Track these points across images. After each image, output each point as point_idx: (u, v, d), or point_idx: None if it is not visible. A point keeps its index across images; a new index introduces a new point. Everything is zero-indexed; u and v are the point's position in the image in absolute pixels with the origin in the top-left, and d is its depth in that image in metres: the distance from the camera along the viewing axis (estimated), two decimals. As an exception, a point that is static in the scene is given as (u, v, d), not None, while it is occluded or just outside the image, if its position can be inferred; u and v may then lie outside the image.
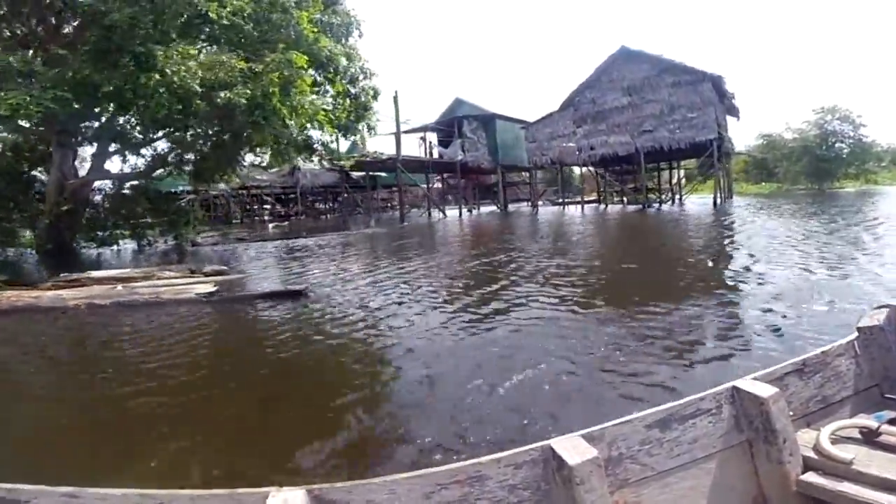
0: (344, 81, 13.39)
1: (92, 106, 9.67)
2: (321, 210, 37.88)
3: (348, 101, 13.21)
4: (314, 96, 10.43)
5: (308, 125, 10.71)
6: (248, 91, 8.99)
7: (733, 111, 25.56)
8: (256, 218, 35.80)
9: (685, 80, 21.22)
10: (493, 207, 32.73)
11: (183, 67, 8.23)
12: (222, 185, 36.45)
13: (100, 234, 14.36)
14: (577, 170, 33.64)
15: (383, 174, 30.25)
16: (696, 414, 1.48)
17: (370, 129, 15.55)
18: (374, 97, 13.96)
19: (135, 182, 15.72)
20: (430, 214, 28.04)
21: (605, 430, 1.39)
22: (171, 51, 8.32)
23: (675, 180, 31.38)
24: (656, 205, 25.27)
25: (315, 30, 10.68)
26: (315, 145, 15.28)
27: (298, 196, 36.07)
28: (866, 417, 1.58)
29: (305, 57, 9.70)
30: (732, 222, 13.89)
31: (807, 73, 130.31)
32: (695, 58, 53.92)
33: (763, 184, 37.71)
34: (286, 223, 31.95)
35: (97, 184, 15.87)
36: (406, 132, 28.31)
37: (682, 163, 30.82)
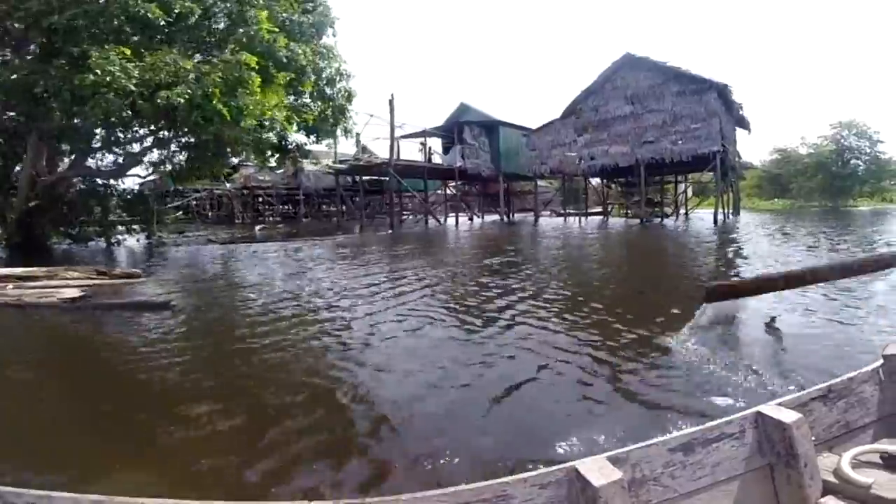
0: (321, 83, 13.20)
1: (33, 107, 9.58)
2: (327, 213, 37.92)
3: (320, 102, 13.01)
4: (275, 98, 10.21)
5: (260, 126, 10.44)
6: (189, 91, 8.89)
7: (743, 123, 24.49)
8: (261, 218, 36.05)
9: (690, 89, 20.34)
10: (498, 217, 32.13)
11: (117, 68, 8.09)
12: (228, 185, 37.32)
13: (71, 231, 14.44)
14: (594, 181, 32.77)
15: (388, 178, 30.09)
16: (719, 438, 1.51)
17: (347, 132, 15.26)
18: (349, 99, 13.70)
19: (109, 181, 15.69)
20: (426, 222, 27.61)
21: (629, 452, 1.41)
22: (108, 52, 8.19)
23: (680, 193, 30.31)
24: (657, 219, 24.36)
25: (275, 29, 10.47)
26: (290, 146, 15.09)
27: (302, 198, 36.22)
28: (888, 443, 1.61)
29: (255, 58, 9.52)
30: (721, 242, 13.07)
31: (825, 85, 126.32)
32: (707, 68, 52.48)
33: (775, 200, 36.23)
34: (281, 225, 31.98)
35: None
36: (403, 137, 28.02)
37: (694, 176, 29.80)
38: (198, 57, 10.33)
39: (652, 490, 1.39)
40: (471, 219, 32.57)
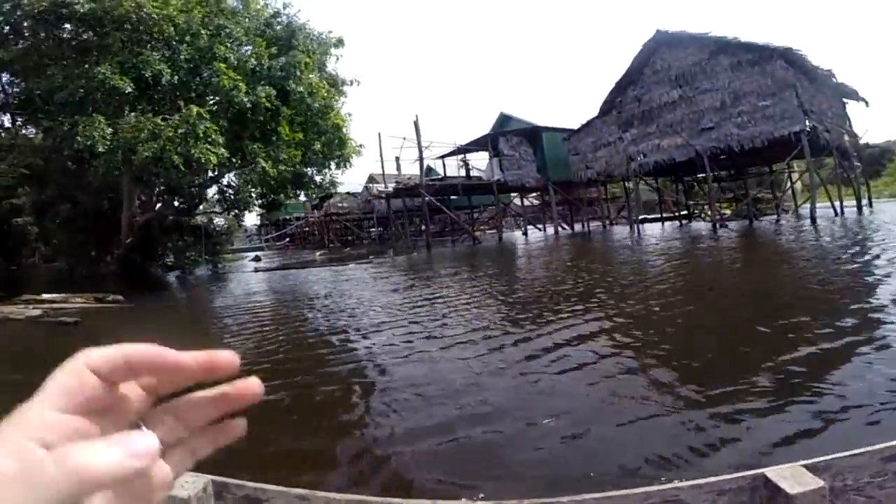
0: (307, 117, 13.59)
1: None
2: (385, 235, 39.26)
3: (314, 136, 13.60)
4: (213, 144, 10.79)
5: (206, 168, 11.38)
6: (154, 146, 10.10)
7: (850, 94, 19.36)
8: (347, 240, 38.75)
9: (746, 59, 16.63)
10: (581, 226, 29.37)
11: (98, 133, 9.77)
12: (316, 213, 41.32)
13: (160, 261, 16.99)
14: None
15: (454, 197, 29.82)
16: None
17: (343, 162, 15.33)
18: (338, 129, 14.03)
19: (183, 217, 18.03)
20: (474, 240, 26.47)
21: (831, 461, 1.33)
22: (92, 120, 9.99)
23: (786, 186, 24.80)
24: (744, 221, 20.21)
25: (236, 77, 11.21)
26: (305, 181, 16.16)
27: (375, 220, 38.09)
28: None
29: (196, 108, 10.53)
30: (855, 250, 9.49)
31: None
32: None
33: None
34: (348, 249, 33.47)
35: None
36: (437, 157, 27.52)
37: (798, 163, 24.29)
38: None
39: (853, 501, 1.29)
40: (525, 233, 30.63)
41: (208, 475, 1.56)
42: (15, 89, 13.44)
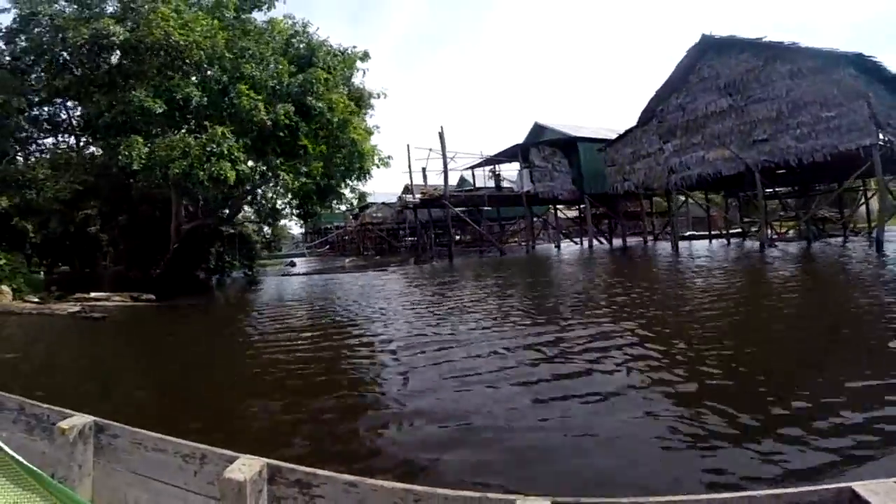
0: (329, 131, 13.58)
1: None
2: (423, 244, 39.28)
3: (333, 150, 13.68)
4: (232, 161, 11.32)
5: (227, 183, 11.70)
6: (185, 163, 10.75)
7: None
8: (382, 248, 39.28)
9: (808, 66, 14.81)
10: (623, 240, 27.69)
11: (135, 152, 10.53)
12: (354, 222, 42.87)
13: (203, 265, 18.05)
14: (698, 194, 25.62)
15: (487, 208, 29.20)
16: None
17: (363, 175, 15.23)
18: (353, 144, 13.94)
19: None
20: (501, 252, 25.49)
21: None
22: (131, 139, 10.83)
23: (858, 205, 22.10)
24: (830, 239, 18.18)
25: (258, 98, 11.67)
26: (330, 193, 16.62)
27: (407, 230, 38.27)
28: None
29: (221, 128, 11.30)
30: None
31: None
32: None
33: None
34: (378, 256, 33.60)
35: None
36: (468, 168, 26.77)
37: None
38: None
39: None
40: (558, 246, 29.22)
41: (264, 458, 1.65)
42: (76, 113, 14.96)
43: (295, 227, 53.82)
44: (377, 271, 19.26)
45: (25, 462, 1.48)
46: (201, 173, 10.80)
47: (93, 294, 11.90)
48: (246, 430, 3.48)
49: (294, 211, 18.80)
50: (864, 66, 14.23)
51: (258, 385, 4.68)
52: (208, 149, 11.06)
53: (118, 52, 12.21)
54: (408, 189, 37.51)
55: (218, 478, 1.58)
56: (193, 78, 12.34)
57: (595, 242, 28.47)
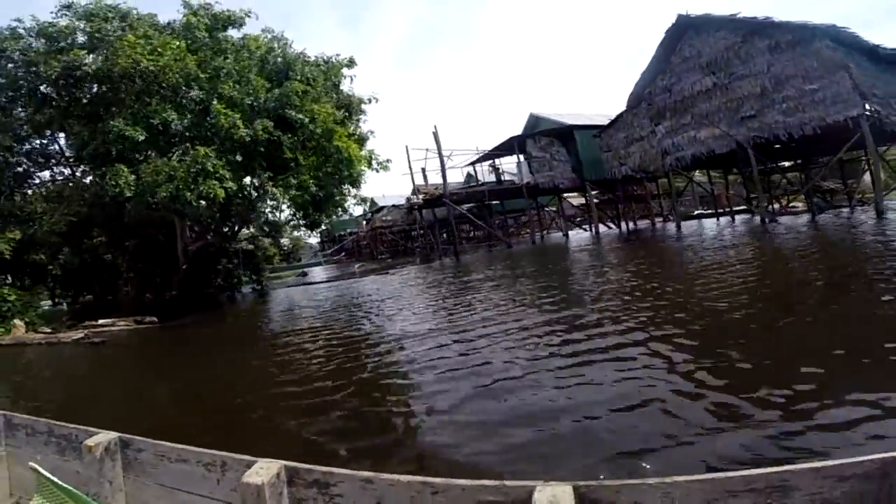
0: (314, 141, 14.07)
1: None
2: (422, 244, 39.85)
3: (322, 159, 14.15)
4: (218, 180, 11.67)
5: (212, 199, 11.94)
6: (171, 186, 11.21)
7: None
8: (397, 250, 40.02)
9: (786, 41, 14.72)
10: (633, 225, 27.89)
11: (122, 180, 10.93)
12: (366, 227, 43.38)
13: (212, 283, 18.78)
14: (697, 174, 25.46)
15: (495, 202, 29.60)
16: None
17: (354, 182, 15.77)
18: (339, 152, 14.20)
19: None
20: (508, 245, 26.01)
21: None
22: (117, 168, 11.23)
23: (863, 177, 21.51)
24: (835, 211, 18.13)
25: (235, 115, 12.00)
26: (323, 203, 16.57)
27: (418, 230, 38.86)
28: None
29: (203, 148, 11.65)
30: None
31: None
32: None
33: None
34: (390, 259, 34.46)
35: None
36: (468, 165, 27.26)
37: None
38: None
39: None
40: (566, 234, 29.46)
41: (281, 461, 1.65)
42: (69, 144, 15.28)
43: (312, 237, 55.78)
44: (379, 275, 19.77)
45: (62, 483, 1.53)
46: (189, 194, 11.14)
47: (100, 321, 12.47)
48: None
49: (301, 222, 19.05)
50: (840, 37, 14.07)
51: (251, 391, 5.09)
52: (193, 170, 11.33)
53: (94, 82, 12.34)
54: (418, 190, 38.37)
55: (238, 483, 1.60)
56: (171, 102, 12.48)
57: (603, 228, 28.68)
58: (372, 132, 18.44)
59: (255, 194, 14.24)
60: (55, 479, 1.59)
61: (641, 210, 31.58)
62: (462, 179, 40.25)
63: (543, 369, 4.26)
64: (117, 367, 8.26)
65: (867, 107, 13.84)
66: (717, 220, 23.44)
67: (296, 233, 35.63)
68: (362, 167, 15.18)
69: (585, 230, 31.14)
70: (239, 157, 12.92)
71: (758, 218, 20.51)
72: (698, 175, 27.69)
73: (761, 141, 16.16)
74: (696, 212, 28.65)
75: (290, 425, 3.86)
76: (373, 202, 44.51)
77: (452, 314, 7.73)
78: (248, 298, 18.72)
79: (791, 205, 22.81)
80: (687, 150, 18.38)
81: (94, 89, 12.59)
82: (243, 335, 9.89)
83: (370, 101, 18.26)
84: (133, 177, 11.20)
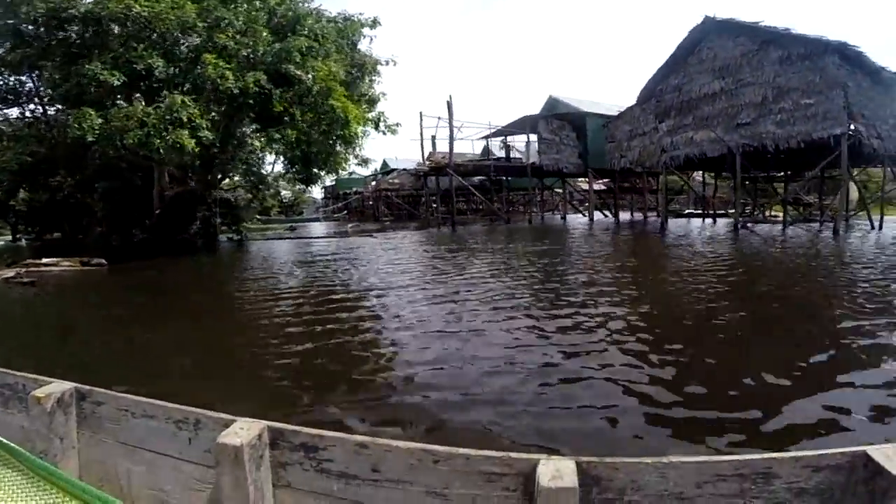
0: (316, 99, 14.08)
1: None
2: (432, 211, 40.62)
3: (321, 119, 14.17)
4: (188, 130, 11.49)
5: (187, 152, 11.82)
6: (141, 133, 11.11)
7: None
8: (401, 214, 40.71)
9: (798, 53, 15.07)
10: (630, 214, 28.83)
11: (87, 123, 10.73)
12: (372, 186, 43.61)
13: (187, 230, 18.78)
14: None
15: (513, 178, 30.15)
16: None
17: (347, 142, 16.02)
18: (333, 112, 14.04)
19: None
20: (506, 221, 27.08)
21: None
22: (83, 111, 10.97)
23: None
24: (807, 225, 18.85)
25: (226, 66, 11.88)
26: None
27: (427, 197, 39.53)
28: None
29: (181, 96, 11.57)
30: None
31: None
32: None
33: None
34: (388, 221, 35.38)
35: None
36: (481, 138, 28.00)
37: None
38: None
39: None
40: (563, 217, 30.40)
41: (264, 421, 1.51)
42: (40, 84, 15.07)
43: (317, 192, 53.64)
44: (368, 237, 20.19)
45: (1, 438, 1.37)
46: (157, 141, 10.85)
47: (45, 260, 11.70)
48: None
49: (297, 176, 18.87)
50: (847, 55, 14.51)
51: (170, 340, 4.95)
52: (168, 118, 11.05)
53: (80, 24, 12.13)
54: (429, 158, 38.94)
55: (214, 444, 1.46)
56: (160, 49, 12.26)
57: (600, 216, 29.59)
58: (384, 94, 18.63)
59: (236, 145, 14.37)
60: None
61: (640, 203, 32.35)
62: (479, 152, 40.84)
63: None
64: (31, 308, 7.64)
65: (852, 126, 14.48)
66: (703, 220, 24.26)
67: (298, 186, 35.83)
68: (357, 128, 15.26)
69: (585, 216, 32.07)
70: (223, 108, 12.91)
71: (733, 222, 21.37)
72: (698, 176, 28.31)
73: (750, 149, 16.83)
74: (686, 210, 29.40)
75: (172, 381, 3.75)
76: (385, 164, 44.91)
77: (403, 276, 8.50)
78: (223, 248, 18.12)
79: (772, 214, 23.50)
80: (682, 149, 18.96)
81: (77, 32, 12.36)
82: (193, 285, 9.63)
83: (387, 63, 18.27)
84: (100, 121, 10.96)
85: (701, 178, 27.39)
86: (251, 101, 12.71)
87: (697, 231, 18.58)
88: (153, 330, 5.44)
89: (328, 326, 5.21)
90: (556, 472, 1.19)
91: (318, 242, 19.14)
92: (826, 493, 1.18)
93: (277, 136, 14.05)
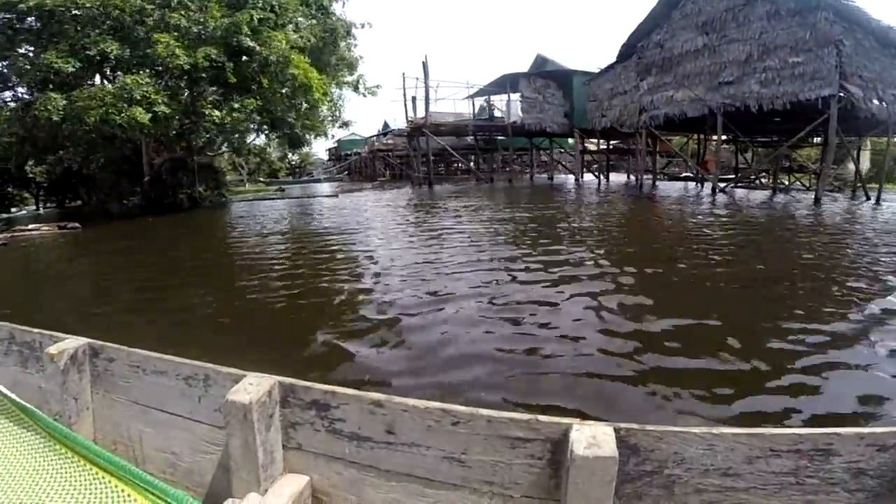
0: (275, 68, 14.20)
1: None
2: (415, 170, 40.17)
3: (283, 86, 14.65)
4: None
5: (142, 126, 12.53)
6: (101, 111, 11.89)
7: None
8: (397, 173, 40.50)
9: (788, 8, 13.75)
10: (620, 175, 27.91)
11: (51, 104, 11.68)
12: (368, 147, 43.90)
13: (173, 195, 19.57)
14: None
15: (501, 137, 29.19)
16: None
17: (312, 107, 16.42)
18: (294, 79, 14.32)
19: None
20: (490, 181, 26.35)
21: None
22: (49, 95, 11.95)
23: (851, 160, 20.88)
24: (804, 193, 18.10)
25: (176, 44, 12.35)
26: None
27: (418, 158, 38.96)
28: None
29: (133, 76, 12.46)
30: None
31: None
32: None
33: None
34: (383, 178, 35.05)
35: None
36: (467, 98, 26.74)
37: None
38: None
39: None
40: (551, 178, 29.46)
41: (275, 377, 1.45)
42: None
43: (323, 154, 57.98)
44: (347, 194, 21.26)
45: (18, 399, 1.32)
46: (116, 118, 11.78)
47: (30, 226, 13.00)
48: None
49: (278, 141, 19.83)
50: (844, 12, 13.16)
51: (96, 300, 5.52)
52: (126, 96, 11.96)
53: (34, 15, 12.90)
54: (412, 120, 37.86)
55: (223, 402, 1.42)
56: (116, 33, 13.09)
57: (591, 177, 28.62)
58: (361, 57, 18.66)
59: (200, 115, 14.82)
60: (9, 393, 1.40)
61: (635, 164, 31.22)
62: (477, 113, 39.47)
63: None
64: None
65: (846, 87, 13.36)
66: (697, 184, 23.40)
67: (305, 148, 36.70)
68: (319, 94, 15.51)
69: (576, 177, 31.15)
70: (182, 84, 13.93)
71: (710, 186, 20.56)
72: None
73: (732, 109, 15.81)
74: (683, 174, 28.40)
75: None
76: (385, 125, 44.78)
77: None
78: (202, 210, 18.80)
79: (758, 179, 22.48)
80: (662, 109, 17.92)
81: (32, 23, 13.22)
82: (151, 242, 10.34)
83: (363, 26, 18.39)
84: (64, 102, 11.85)
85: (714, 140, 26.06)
86: (203, 75, 13.17)
87: (678, 194, 17.90)
88: (93, 278, 6.88)
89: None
90: (593, 438, 1.10)
91: (298, 203, 19.97)
92: (887, 475, 1.09)
93: (237, 105, 14.22)
